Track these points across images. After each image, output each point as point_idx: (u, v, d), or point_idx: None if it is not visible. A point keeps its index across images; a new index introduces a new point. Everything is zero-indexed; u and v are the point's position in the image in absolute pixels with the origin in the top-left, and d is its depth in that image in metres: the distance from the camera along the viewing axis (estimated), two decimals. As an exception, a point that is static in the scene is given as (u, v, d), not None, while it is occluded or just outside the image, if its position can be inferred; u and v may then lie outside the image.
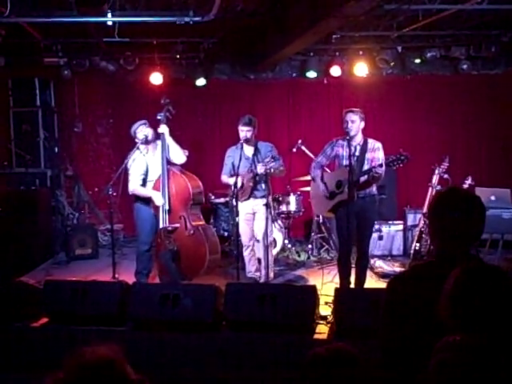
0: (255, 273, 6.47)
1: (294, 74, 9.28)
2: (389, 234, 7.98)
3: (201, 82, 8.73)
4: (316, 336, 4.55)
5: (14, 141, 8.59)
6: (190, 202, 6.08)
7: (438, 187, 6.81)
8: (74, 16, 6.16)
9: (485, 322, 1.71)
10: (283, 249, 7.86)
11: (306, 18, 5.89)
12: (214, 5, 5.89)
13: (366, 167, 5.54)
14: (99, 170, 9.26)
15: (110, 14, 6.08)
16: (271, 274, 6.41)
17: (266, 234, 6.19)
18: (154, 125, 6.21)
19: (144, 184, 6.14)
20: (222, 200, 7.94)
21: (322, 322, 4.75)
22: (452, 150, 8.37)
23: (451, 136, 9.11)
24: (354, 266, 5.84)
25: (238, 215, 6.04)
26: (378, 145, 5.66)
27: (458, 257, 2.09)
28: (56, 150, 8.89)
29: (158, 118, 6.17)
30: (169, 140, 6.13)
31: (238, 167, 6.07)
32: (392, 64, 8.75)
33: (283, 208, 7.76)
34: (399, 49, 8.73)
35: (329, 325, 4.72)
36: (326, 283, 6.10)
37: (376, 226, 7.06)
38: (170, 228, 6.00)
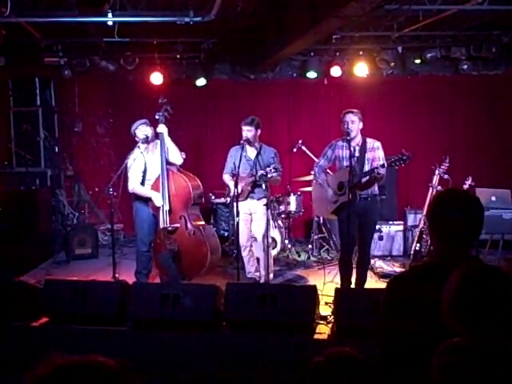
0: (255, 273, 6.47)
1: (295, 74, 9.28)
2: (389, 235, 7.98)
3: (201, 82, 8.73)
4: (316, 336, 4.55)
5: (14, 140, 8.59)
6: (191, 202, 6.08)
7: (439, 187, 6.81)
8: (75, 16, 6.16)
9: (487, 323, 1.70)
10: (283, 249, 7.86)
11: (307, 18, 5.89)
12: (215, 5, 5.89)
13: (366, 167, 5.54)
14: (99, 169, 9.26)
15: (110, 14, 6.07)
16: (271, 275, 6.41)
17: (264, 235, 6.19)
18: (153, 124, 6.21)
19: (143, 183, 6.14)
20: (222, 200, 7.94)
21: (322, 322, 4.75)
22: (452, 150, 8.37)
23: (451, 136, 9.11)
24: (354, 266, 5.84)
25: (238, 215, 6.04)
26: (378, 144, 5.67)
27: (458, 257, 2.09)
28: (56, 149, 8.89)
29: (156, 117, 6.17)
30: (167, 140, 6.13)
31: (239, 167, 6.07)
32: (392, 64, 8.76)
33: (283, 208, 7.76)
34: (399, 49, 8.74)
35: (329, 325, 4.72)
36: (326, 283, 6.10)
37: (376, 227, 7.05)
38: (170, 228, 5.99)
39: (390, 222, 8.05)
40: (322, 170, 5.91)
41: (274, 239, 7.46)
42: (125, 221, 8.65)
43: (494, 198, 6.98)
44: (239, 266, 6.08)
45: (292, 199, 7.74)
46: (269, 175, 5.94)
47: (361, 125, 5.64)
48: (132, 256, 7.01)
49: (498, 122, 9.11)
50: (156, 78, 8.53)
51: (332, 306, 4.90)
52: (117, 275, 6.27)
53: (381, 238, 7.86)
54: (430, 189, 6.91)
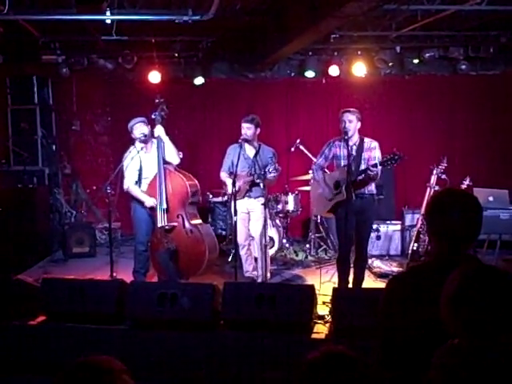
0: (252, 272, 6.48)
1: (293, 74, 9.28)
2: (387, 234, 7.99)
3: (199, 80, 8.73)
4: (314, 335, 4.55)
5: (11, 139, 8.57)
6: (188, 201, 6.08)
7: (436, 187, 6.81)
8: (73, 14, 6.16)
9: (486, 323, 1.70)
10: (281, 248, 7.86)
11: (305, 17, 5.89)
12: (213, 4, 5.89)
13: (362, 167, 5.55)
14: (97, 168, 9.25)
15: (108, 12, 6.07)
16: (268, 274, 6.41)
17: (262, 234, 6.19)
18: (150, 124, 6.20)
19: (139, 181, 6.14)
20: (219, 199, 7.94)
21: (319, 321, 4.75)
22: (450, 150, 8.38)
23: (449, 136, 9.12)
24: (352, 265, 5.84)
25: (236, 214, 6.04)
26: (375, 144, 5.67)
27: (457, 257, 2.09)
28: (54, 148, 8.88)
29: (153, 117, 6.16)
30: (165, 139, 6.12)
31: (237, 165, 6.07)
32: (390, 64, 8.76)
33: (281, 207, 7.76)
34: (398, 49, 8.74)
35: (327, 324, 4.72)
36: (323, 283, 6.10)
37: (374, 226, 7.06)
38: (167, 227, 5.99)
39: (388, 222, 8.06)
40: (320, 168, 5.92)
41: (271, 238, 7.46)
42: (122, 219, 8.64)
43: (491, 198, 6.99)
44: (237, 265, 6.08)
45: (290, 198, 7.74)
46: (268, 175, 5.94)
47: (359, 124, 5.65)
48: (130, 255, 7.00)
49: (496, 122, 9.12)
50: (154, 77, 8.52)
51: (329, 306, 4.90)
52: (114, 274, 6.27)
53: (378, 238, 7.87)
54: (428, 189, 6.91)
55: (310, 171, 6.36)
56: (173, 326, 4.61)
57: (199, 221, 6.31)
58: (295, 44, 6.98)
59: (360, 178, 5.49)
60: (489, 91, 9.09)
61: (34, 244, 7.71)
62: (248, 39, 8.05)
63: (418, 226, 7.00)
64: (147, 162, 6.14)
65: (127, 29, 7.22)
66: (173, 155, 6.14)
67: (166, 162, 6.11)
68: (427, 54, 8.67)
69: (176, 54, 8.63)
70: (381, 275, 6.74)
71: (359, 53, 8.53)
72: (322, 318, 4.80)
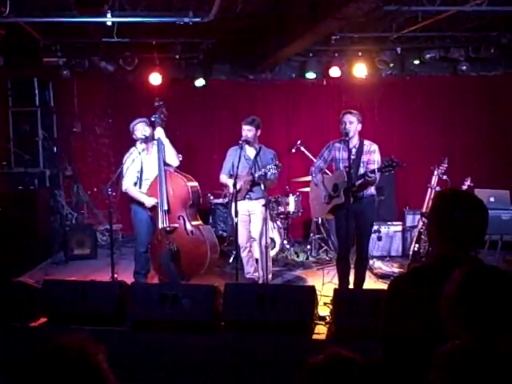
0: (253, 273, 6.47)
1: (294, 75, 9.28)
2: (387, 235, 7.99)
3: (200, 82, 8.73)
4: (315, 336, 4.55)
5: (12, 140, 8.59)
6: (189, 202, 6.08)
7: (437, 188, 6.81)
8: (74, 16, 6.16)
9: (487, 324, 1.70)
10: (282, 249, 7.86)
11: (306, 19, 5.90)
12: (214, 5, 5.89)
13: (361, 170, 5.54)
14: (98, 170, 9.25)
15: (109, 15, 6.08)
16: (269, 276, 6.41)
17: (263, 235, 6.19)
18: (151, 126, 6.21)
19: (140, 183, 6.14)
20: (220, 200, 7.94)
21: (320, 322, 4.76)
22: (451, 151, 8.38)
23: (450, 137, 9.12)
24: (352, 266, 5.84)
25: (236, 216, 6.05)
26: (375, 147, 5.65)
27: (460, 258, 2.08)
28: (55, 149, 8.89)
29: (152, 119, 6.17)
30: (165, 142, 6.13)
31: (238, 167, 6.08)
32: (391, 65, 8.76)
33: (282, 208, 7.76)
34: (398, 50, 8.73)
35: (327, 325, 4.72)
36: (325, 284, 6.10)
37: (375, 227, 7.06)
38: (168, 228, 6.00)
39: (389, 223, 8.05)
40: (319, 170, 5.92)
41: (272, 240, 7.46)
42: (123, 221, 8.63)
43: (492, 199, 6.98)
44: (238, 267, 6.08)
45: (291, 200, 7.74)
46: (268, 174, 5.94)
47: (359, 126, 5.64)
48: (130, 256, 7.00)
49: (497, 123, 9.12)
50: (155, 79, 8.53)
51: (330, 307, 4.91)
52: (115, 275, 6.26)
53: (379, 239, 7.86)
54: (429, 189, 6.90)
55: (309, 172, 6.36)
56: (174, 327, 4.62)
57: (200, 222, 6.32)
58: (296, 45, 6.99)
59: (358, 182, 5.48)
60: (489, 92, 9.09)
61: (34, 246, 7.71)
62: (249, 41, 8.05)
63: (419, 226, 7.00)
64: (148, 164, 6.15)
65: (128, 31, 7.22)
66: (172, 157, 6.15)
67: (165, 164, 6.12)
68: (428, 55, 8.67)
69: (177, 56, 8.63)
70: (382, 276, 6.74)
71: (360, 54, 8.53)
72: (322, 318, 4.81)
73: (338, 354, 1.68)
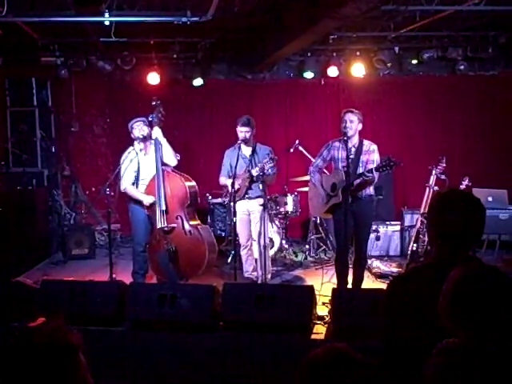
0: (252, 273, 6.47)
1: (292, 75, 9.28)
2: (386, 235, 7.99)
3: (198, 82, 8.73)
4: (313, 336, 4.56)
5: (10, 140, 8.58)
6: (187, 202, 6.08)
7: (435, 188, 6.81)
8: (72, 16, 6.15)
9: (484, 323, 1.71)
10: (280, 249, 7.86)
11: (304, 18, 5.90)
12: (212, 5, 5.89)
13: (360, 169, 5.53)
14: (96, 169, 9.24)
15: (107, 14, 6.07)
16: (268, 275, 6.41)
17: (261, 235, 6.19)
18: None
19: (136, 183, 6.14)
20: (219, 200, 7.93)
21: (319, 322, 4.76)
22: (449, 150, 8.37)
23: (448, 136, 9.12)
24: (351, 266, 5.84)
25: (235, 215, 6.05)
26: (374, 147, 5.65)
27: (458, 258, 2.09)
28: (53, 149, 8.88)
29: (150, 119, 6.16)
30: (162, 141, 6.13)
31: (236, 167, 6.08)
32: (389, 65, 8.76)
33: (280, 208, 7.76)
34: (396, 49, 8.75)
35: (326, 325, 4.73)
36: (323, 283, 6.10)
37: (373, 227, 7.06)
38: (166, 228, 5.99)
39: (387, 222, 8.06)
40: (318, 169, 5.92)
41: (271, 239, 7.46)
42: (122, 221, 8.64)
43: (490, 199, 7.00)
44: (236, 266, 6.08)
45: (289, 199, 7.74)
46: (265, 166, 5.92)
47: (359, 126, 5.63)
48: (129, 256, 7.00)
49: (495, 123, 9.13)
50: (153, 78, 8.52)
51: (329, 306, 4.91)
52: (114, 275, 6.26)
53: (378, 238, 7.87)
54: (427, 189, 6.91)
55: (308, 172, 6.35)
56: (172, 327, 4.62)
57: (198, 222, 6.32)
58: (294, 45, 6.99)
59: (356, 181, 5.47)
60: (487, 91, 9.09)
61: (33, 246, 7.70)
62: (247, 40, 8.05)
63: (418, 226, 7.00)
64: (145, 164, 6.14)
65: (126, 30, 7.22)
66: (170, 157, 6.14)
67: (163, 164, 6.11)
68: (426, 55, 8.68)
69: (175, 56, 8.62)
70: (380, 276, 6.74)
71: (358, 53, 8.54)
72: (321, 318, 4.81)
73: (336, 347, 1.68)
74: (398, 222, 8.13)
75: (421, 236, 6.84)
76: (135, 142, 6.14)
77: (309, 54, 8.75)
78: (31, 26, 7.10)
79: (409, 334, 2.07)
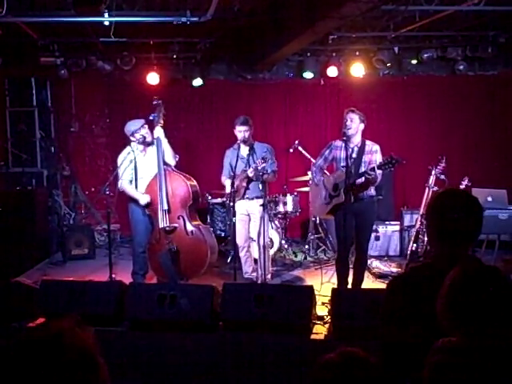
0: (252, 273, 6.47)
1: (291, 75, 9.29)
2: (385, 235, 8.00)
3: (197, 82, 8.73)
4: (313, 336, 4.55)
5: (10, 141, 8.58)
6: (189, 202, 6.07)
7: (435, 188, 6.81)
8: (71, 16, 6.15)
9: (482, 323, 1.71)
10: (280, 249, 7.86)
11: (304, 18, 5.90)
12: (211, 5, 5.89)
13: (362, 170, 5.52)
14: (96, 169, 9.24)
15: (106, 14, 6.07)
16: (268, 275, 6.41)
17: (261, 235, 6.19)
18: (149, 126, 6.19)
19: (136, 182, 6.12)
20: (218, 200, 7.93)
21: (318, 322, 4.75)
22: (449, 150, 8.36)
23: (448, 136, 9.12)
24: (351, 266, 5.84)
25: (234, 215, 6.05)
26: (376, 147, 5.64)
27: (458, 258, 2.09)
28: (52, 149, 8.88)
29: (151, 118, 6.14)
30: (164, 141, 6.11)
31: (235, 167, 6.08)
32: (389, 65, 8.76)
33: (280, 208, 7.76)
34: (396, 49, 8.75)
35: (326, 325, 4.72)
36: (323, 283, 6.10)
37: (373, 227, 7.06)
38: (168, 228, 5.99)
39: (387, 222, 8.06)
40: (319, 170, 5.91)
41: (270, 239, 7.46)
42: (121, 221, 8.63)
43: (490, 199, 7.00)
44: (236, 267, 6.08)
45: (289, 199, 7.74)
46: (259, 167, 5.92)
47: (361, 126, 5.61)
48: (128, 256, 7.01)
49: (495, 123, 9.13)
50: (152, 78, 8.53)
51: (329, 307, 4.91)
52: (113, 276, 6.26)
53: (377, 239, 7.87)
54: (427, 189, 6.91)
55: (309, 172, 6.35)
56: (172, 327, 4.61)
57: (199, 222, 6.31)
58: (293, 45, 6.99)
59: (359, 181, 5.46)
60: (487, 91, 9.10)
61: (32, 246, 7.70)
62: (246, 40, 8.05)
63: (417, 226, 7.00)
64: (142, 163, 6.12)
65: (125, 30, 7.22)
66: (170, 157, 6.13)
67: (164, 163, 6.10)
68: (425, 55, 8.68)
69: (174, 56, 8.63)
70: (380, 276, 6.74)
71: (357, 53, 8.54)
72: (321, 318, 4.80)
73: (350, 351, 1.68)
74: (398, 222, 8.13)
75: (420, 236, 6.85)
76: (132, 144, 6.11)
77: (308, 54, 8.76)
78: (31, 26, 7.10)
79: (408, 334, 2.07)
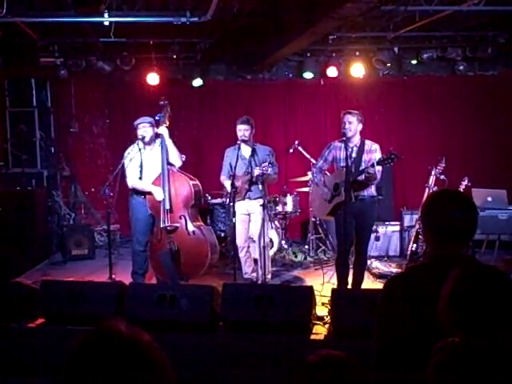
0: (252, 274, 6.47)
1: (291, 75, 9.29)
2: (385, 235, 7.99)
3: (197, 82, 8.73)
4: (313, 336, 4.55)
5: (10, 141, 8.57)
6: (191, 202, 6.06)
7: (435, 188, 6.81)
8: (71, 16, 6.16)
9: (484, 323, 1.71)
10: (280, 249, 7.86)
11: (304, 18, 5.90)
12: (211, 5, 5.89)
13: (362, 168, 5.53)
14: (96, 170, 9.25)
15: (106, 14, 6.07)
16: (268, 276, 6.41)
17: (261, 235, 6.19)
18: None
19: (140, 179, 6.12)
20: (218, 201, 7.93)
21: (318, 322, 4.75)
22: (448, 150, 8.37)
23: (448, 137, 9.13)
24: (351, 266, 5.84)
25: (234, 216, 6.04)
26: (376, 146, 5.66)
27: (453, 257, 2.10)
28: (52, 150, 8.88)
29: (157, 118, 6.15)
30: (168, 141, 6.12)
31: (235, 167, 6.08)
32: (388, 65, 8.77)
33: (280, 209, 7.76)
34: (396, 50, 8.75)
35: (326, 325, 4.72)
36: (323, 284, 6.10)
37: (373, 227, 7.07)
38: (169, 228, 5.98)
39: (387, 223, 8.05)
40: (320, 170, 5.91)
41: (270, 240, 7.45)
42: (121, 221, 8.64)
43: (490, 199, 7.00)
44: (236, 267, 6.08)
45: (289, 200, 7.75)
46: (265, 171, 5.94)
47: (360, 126, 5.63)
48: (128, 257, 7.00)
49: (495, 123, 9.13)
50: (152, 79, 8.52)
51: (329, 307, 4.91)
52: (113, 276, 6.26)
53: (377, 239, 7.87)
54: (427, 189, 6.90)
55: (310, 173, 6.35)
56: (172, 327, 4.61)
57: (200, 222, 6.31)
58: (293, 45, 6.99)
59: (359, 178, 5.47)
60: (487, 92, 9.10)
61: (32, 246, 7.69)
62: (246, 41, 8.05)
63: (417, 226, 7.00)
64: (147, 161, 6.12)
65: (125, 31, 7.22)
66: (175, 157, 6.12)
67: (168, 164, 6.10)
68: (425, 55, 8.68)
69: (174, 56, 8.63)
70: (380, 276, 6.74)
71: (357, 54, 8.54)
72: (321, 319, 4.80)
73: (332, 354, 1.69)
74: (398, 223, 8.13)
75: (420, 236, 6.84)
76: (139, 141, 6.12)
77: (308, 55, 8.75)
78: (30, 26, 7.10)
79: (404, 334, 2.07)
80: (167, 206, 5.95)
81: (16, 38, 7.62)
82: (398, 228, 8.05)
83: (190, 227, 6.02)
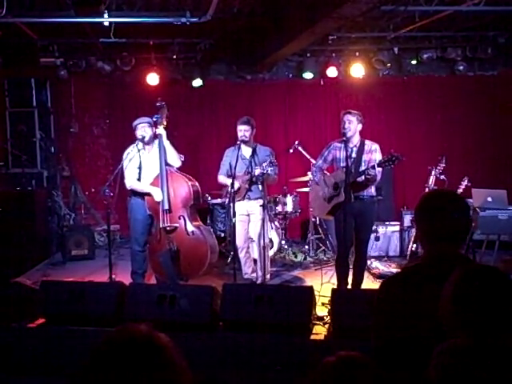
0: (251, 274, 6.47)
1: (291, 75, 9.29)
2: (385, 235, 7.99)
3: (197, 82, 8.73)
4: (313, 336, 4.55)
5: (10, 141, 8.57)
6: (190, 202, 6.07)
7: (435, 188, 6.82)
8: (71, 16, 6.16)
9: (486, 324, 1.71)
10: (280, 249, 7.86)
11: (303, 18, 5.90)
12: (211, 5, 5.89)
13: (362, 169, 5.54)
14: (96, 170, 9.24)
15: (106, 15, 6.08)
16: (267, 276, 6.41)
17: (261, 235, 6.19)
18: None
19: (138, 180, 6.12)
20: (218, 201, 7.93)
21: (318, 322, 4.76)
22: (448, 150, 8.38)
23: (447, 137, 9.13)
24: (351, 266, 5.84)
25: (234, 216, 6.04)
26: (376, 146, 5.66)
27: (447, 257, 2.10)
28: (52, 150, 8.88)
29: (154, 119, 6.15)
30: (166, 143, 6.12)
31: (235, 167, 6.08)
32: (388, 65, 8.77)
33: (280, 209, 7.76)
34: (396, 50, 8.75)
35: (326, 325, 4.72)
36: (323, 284, 6.10)
37: (373, 228, 7.07)
38: (168, 228, 5.99)
39: (387, 223, 8.05)
40: (319, 170, 5.92)
41: (270, 240, 7.46)
42: (121, 222, 8.64)
43: (489, 199, 6.99)
44: (236, 267, 6.08)
45: (288, 200, 7.75)
46: (265, 170, 5.94)
47: (359, 126, 5.64)
48: (128, 257, 6.99)
49: (495, 123, 9.13)
50: (152, 79, 8.53)
51: (328, 307, 4.91)
52: (113, 276, 6.26)
53: (377, 239, 7.87)
54: (426, 189, 6.91)
55: (309, 173, 6.35)
56: (172, 327, 4.60)
57: (199, 222, 6.31)
58: (293, 45, 6.99)
59: (359, 179, 5.48)
60: (487, 92, 9.10)
61: (32, 247, 7.68)
62: (246, 41, 8.06)
63: (417, 226, 6.99)
64: (146, 162, 6.12)
65: (125, 31, 7.22)
66: (174, 158, 6.13)
67: (167, 164, 6.10)
68: (425, 55, 8.69)
69: (174, 56, 8.63)
70: (380, 276, 6.73)
71: (357, 54, 8.55)
72: (321, 319, 4.81)
73: (350, 355, 1.68)
74: (398, 223, 8.12)
75: (420, 236, 6.83)
76: (138, 142, 6.12)
77: (308, 55, 8.76)
78: (30, 26, 7.10)
79: (400, 334, 2.07)
80: (166, 207, 5.96)
81: (16, 38, 7.62)
82: (397, 228, 8.05)
83: (190, 227, 6.02)
